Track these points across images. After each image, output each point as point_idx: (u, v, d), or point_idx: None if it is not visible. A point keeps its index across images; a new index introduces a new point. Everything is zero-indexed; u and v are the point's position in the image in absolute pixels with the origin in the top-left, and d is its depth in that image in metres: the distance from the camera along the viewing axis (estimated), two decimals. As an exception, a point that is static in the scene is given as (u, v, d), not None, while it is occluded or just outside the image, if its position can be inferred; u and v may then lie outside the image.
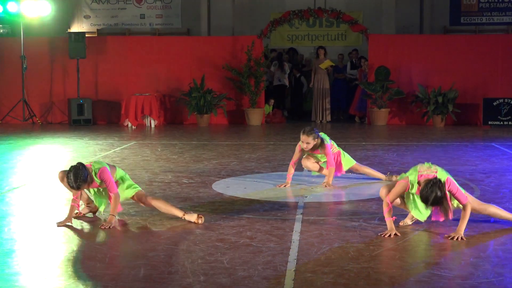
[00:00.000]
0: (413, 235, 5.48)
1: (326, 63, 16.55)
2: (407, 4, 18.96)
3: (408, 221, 5.80)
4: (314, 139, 7.45)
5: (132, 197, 6.07)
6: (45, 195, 7.29)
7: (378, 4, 19.13)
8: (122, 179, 6.12)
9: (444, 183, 5.39)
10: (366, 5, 19.18)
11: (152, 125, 15.68)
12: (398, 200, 5.72)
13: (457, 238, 5.30)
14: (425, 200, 5.35)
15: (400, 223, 5.74)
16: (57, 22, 18.94)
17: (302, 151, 7.64)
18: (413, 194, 5.59)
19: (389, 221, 5.51)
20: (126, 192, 6.05)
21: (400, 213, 5.90)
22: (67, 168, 5.86)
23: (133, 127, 15.44)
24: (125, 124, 15.67)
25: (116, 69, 16.39)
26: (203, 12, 19.58)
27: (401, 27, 18.69)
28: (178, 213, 5.99)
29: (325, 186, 7.51)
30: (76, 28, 19.97)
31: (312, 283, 4.25)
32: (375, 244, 5.17)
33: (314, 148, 7.53)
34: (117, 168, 6.16)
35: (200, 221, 5.89)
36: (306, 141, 7.46)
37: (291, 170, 7.70)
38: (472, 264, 4.70)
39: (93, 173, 5.81)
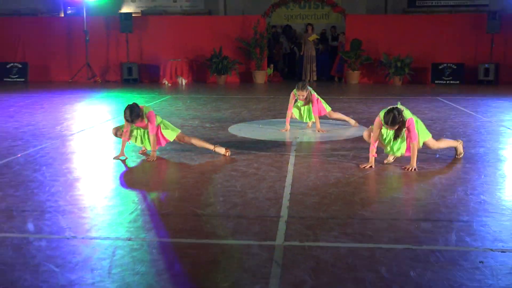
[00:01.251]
0: (378, 167, 5.40)
1: (313, 36, 16.19)
2: (375, -9, 18.39)
3: (390, 159, 5.58)
4: (306, 91, 7.35)
5: (174, 138, 5.99)
6: (104, 137, 7.22)
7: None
8: (164, 125, 6.02)
9: (407, 120, 5.19)
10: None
11: (183, 83, 15.46)
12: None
13: (411, 169, 5.23)
14: (385, 121, 5.08)
15: (384, 161, 5.56)
16: (111, 5, 18.54)
17: (296, 100, 7.52)
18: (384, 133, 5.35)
19: (371, 157, 5.34)
20: (171, 134, 5.91)
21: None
22: (117, 125, 5.81)
23: (169, 84, 15.24)
24: (163, 82, 15.45)
25: (156, 41, 16.07)
26: (220, -3, 19.07)
27: (370, 8, 18.20)
28: (210, 146, 5.92)
29: (317, 131, 7.44)
30: (125, 9, 19.51)
31: (303, 202, 4.22)
32: (350, 174, 5.11)
33: (306, 98, 7.43)
34: (158, 116, 6.06)
35: (227, 154, 5.82)
36: (301, 94, 7.34)
37: (289, 117, 7.59)
38: (422, 189, 4.65)
39: (143, 114, 5.72)
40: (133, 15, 16.79)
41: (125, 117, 5.61)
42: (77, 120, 8.54)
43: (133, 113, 5.55)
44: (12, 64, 15.83)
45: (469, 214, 3.95)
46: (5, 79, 15.69)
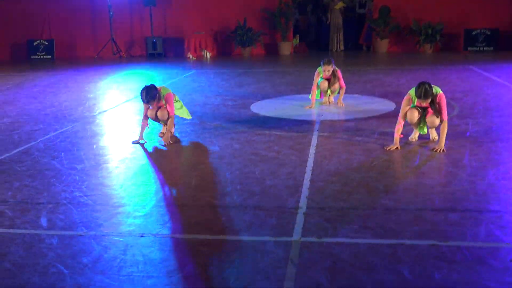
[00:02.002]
0: (404, 148, 5.15)
1: (339, 4, 15.65)
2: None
3: (415, 136, 5.38)
4: (331, 66, 7.19)
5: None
6: (125, 118, 7.13)
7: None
8: (181, 106, 5.93)
9: (437, 94, 5.01)
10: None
11: (208, 56, 15.24)
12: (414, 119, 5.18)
13: (439, 150, 4.97)
14: (418, 95, 4.94)
15: (409, 138, 5.37)
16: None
17: (319, 76, 7.30)
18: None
19: (396, 137, 5.12)
20: (186, 115, 5.96)
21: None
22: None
23: (193, 58, 15.05)
24: (188, 56, 15.26)
25: (180, 14, 15.82)
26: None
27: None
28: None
29: (338, 103, 7.23)
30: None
31: (323, 191, 4.02)
32: (374, 157, 4.88)
33: (332, 73, 7.24)
34: (177, 97, 5.92)
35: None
36: (326, 70, 7.21)
37: (314, 93, 7.35)
38: (450, 173, 4.38)
39: (161, 95, 5.60)
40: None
41: (141, 98, 5.50)
42: (100, 100, 8.47)
43: (149, 94, 5.44)
44: (38, 41, 15.88)
45: (500, 203, 3.70)
46: (32, 57, 15.78)
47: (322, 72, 7.27)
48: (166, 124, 5.73)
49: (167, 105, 5.60)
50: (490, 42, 14.33)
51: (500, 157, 4.73)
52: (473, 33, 14.42)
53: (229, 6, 15.61)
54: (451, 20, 14.69)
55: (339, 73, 7.33)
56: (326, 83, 7.41)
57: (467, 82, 9.09)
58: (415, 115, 5.19)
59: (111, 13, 15.51)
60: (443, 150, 4.95)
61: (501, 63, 11.51)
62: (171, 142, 5.54)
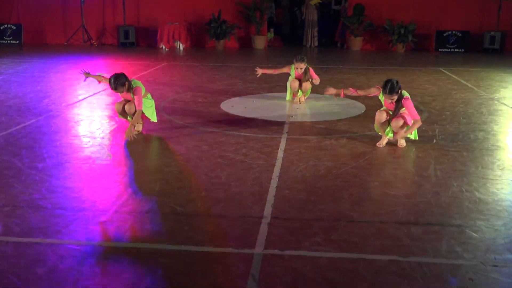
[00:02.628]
0: (371, 154, 5.17)
1: (315, 0, 15.64)
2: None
3: (383, 142, 5.43)
4: (304, 64, 7.31)
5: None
6: (90, 113, 6.96)
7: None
8: (152, 105, 5.83)
9: (404, 96, 5.23)
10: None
11: (181, 48, 15.05)
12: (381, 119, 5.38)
13: (398, 138, 5.28)
14: (383, 90, 5.20)
15: (377, 144, 5.41)
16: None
17: (289, 71, 7.48)
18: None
19: (339, 91, 5.64)
20: (152, 117, 5.81)
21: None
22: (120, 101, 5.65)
23: (166, 49, 14.84)
24: (160, 46, 15.04)
25: (153, 3, 15.53)
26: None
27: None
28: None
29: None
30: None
31: (289, 200, 3.99)
32: (341, 163, 4.87)
33: (304, 72, 7.35)
34: (150, 95, 5.81)
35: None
36: (299, 67, 7.30)
37: (271, 71, 7.75)
38: (415, 183, 4.40)
39: (131, 85, 5.51)
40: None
41: (109, 84, 5.48)
42: (66, 92, 8.25)
43: (117, 81, 5.42)
44: (6, 25, 15.40)
45: (462, 216, 3.73)
46: (-1, 41, 15.31)
47: (294, 69, 7.31)
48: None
49: (135, 98, 5.48)
50: (461, 44, 14.53)
51: (465, 168, 4.78)
52: (445, 34, 14.60)
53: (204, -2, 15.43)
54: (424, 21, 14.86)
55: (311, 71, 7.42)
56: (296, 83, 7.41)
57: (437, 85, 9.19)
58: (383, 116, 5.33)
59: (82, 0, 15.15)
60: (401, 144, 5.13)
61: (471, 66, 11.68)
62: (134, 137, 5.42)
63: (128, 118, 5.76)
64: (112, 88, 5.49)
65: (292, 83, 7.47)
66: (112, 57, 12.71)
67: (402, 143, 5.39)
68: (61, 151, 5.14)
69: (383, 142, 5.43)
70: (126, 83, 5.47)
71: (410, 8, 14.82)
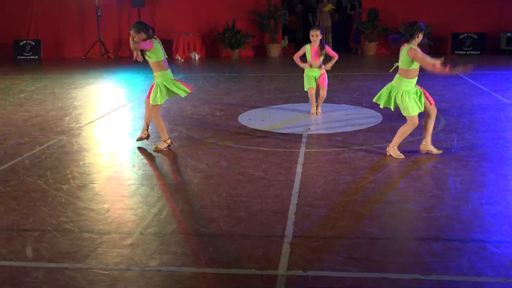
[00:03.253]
0: (389, 167, 5.20)
1: (329, 7, 15.70)
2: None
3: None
4: (321, 32, 7.35)
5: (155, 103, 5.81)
6: (112, 130, 7.09)
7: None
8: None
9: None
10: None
11: (196, 58, 15.21)
12: None
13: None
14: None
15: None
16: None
17: (306, 49, 7.40)
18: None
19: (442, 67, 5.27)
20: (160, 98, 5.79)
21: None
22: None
23: (182, 60, 15.02)
24: (176, 57, 15.22)
25: (168, 15, 15.75)
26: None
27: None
28: (163, 137, 5.86)
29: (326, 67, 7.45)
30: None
31: (310, 217, 4.05)
32: (360, 176, 4.91)
33: (321, 46, 7.32)
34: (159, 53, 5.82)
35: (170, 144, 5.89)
36: (315, 34, 7.27)
37: (298, 61, 7.50)
38: (435, 196, 4.42)
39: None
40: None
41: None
42: (86, 109, 8.42)
43: (136, 24, 5.65)
44: (25, 41, 15.73)
45: (484, 230, 3.75)
46: (19, 57, 15.63)
47: (310, 37, 7.32)
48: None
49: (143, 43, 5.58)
50: (477, 46, 14.45)
51: (485, 179, 4.79)
52: (460, 37, 14.54)
53: (218, 8, 15.59)
54: (439, 23, 14.79)
55: (327, 48, 7.42)
56: (313, 90, 7.45)
57: (454, 90, 9.17)
58: None
59: (98, 14, 15.42)
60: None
61: (487, 70, 11.62)
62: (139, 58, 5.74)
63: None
64: (130, 29, 5.67)
65: (309, 90, 7.48)
66: (128, 70, 12.88)
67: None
68: (85, 171, 5.26)
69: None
70: (143, 33, 5.56)
71: (425, 11, 14.78)
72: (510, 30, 14.39)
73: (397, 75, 5.37)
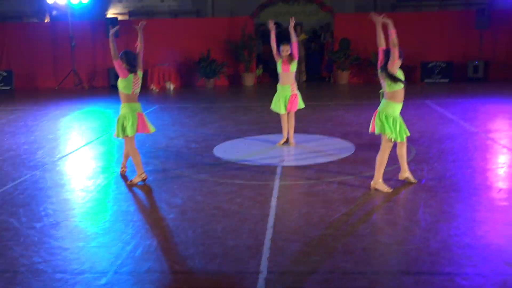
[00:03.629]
0: (362, 199, 5.30)
1: (302, 36, 16.00)
2: (364, -13, 18.12)
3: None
4: (290, 47, 7.51)
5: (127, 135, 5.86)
6: (85, 164, 7.07)
7: (341, -13, 18.33)
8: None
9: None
10: (333, -12, 18.31)
11: (171, 88, 15.28)
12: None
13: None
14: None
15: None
16: (98, 7, 18.27)
17: (278, 63, 7.58)
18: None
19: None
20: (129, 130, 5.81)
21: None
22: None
23: (156, 90, 15.07)
24: (151, 87, 15.27)
25: (143, 45, 15.84)
26: (208, -4, 18.82)
27: (359, 5, 17.95)
28: (138, 171, 5.92)
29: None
30: (112, 10, 19.23)
31: (284, 251, 4.11)
32: (333, 209, 5.00)
33: (290, 55, 7.49)
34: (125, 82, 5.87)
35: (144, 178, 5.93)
36: (285, 49, 7.47)
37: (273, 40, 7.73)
38: (406, 228, 4.53)
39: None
40: (120, 16, 16.57)
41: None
42: (60, 142, 8.39)
43: (124, 52, 5.84)
44: (-3, 72, 15.59)
45: (452, 263, 3.86)
46: (-10, 88, 15.48)
47: (281, 52, 7.51)
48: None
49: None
50: (446, 74, 14.90)
51: (453, 210, 4.92)
52: (429, 65, 14.98)
53: (193, 37, 15.77)
54: (409, 52, 15.09)
55: (294, 49, 7.52)
56: (284, 117, 7.59)
57: (423, 120, 9.41)
58: None
59: (72, 44, 15.42)
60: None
61: (456, 98, 11.97)
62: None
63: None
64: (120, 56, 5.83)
65: (282, 121, 7.64)
66: (103, 101, 12.87)
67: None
68: (58, 208, 5.23)
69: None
70: (123, 59, 5.76)
71: (395, 41, 15.17)
72: (476, 58, 14.89)
73: (383, 100, 5.48)
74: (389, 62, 5.28)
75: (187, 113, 10.94)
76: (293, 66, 7.54)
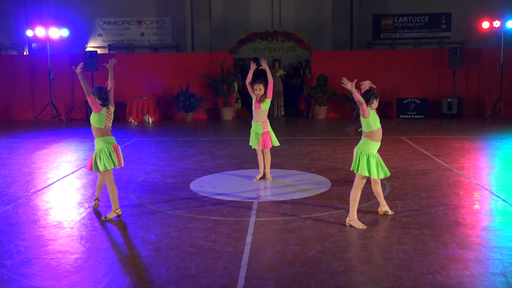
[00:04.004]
0: (336, 236, 5.33)
1: (280, 72, 16.31)
2: (341, 24, 18.52)
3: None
4: (264, 86, 7.60)
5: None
6: (60, 200, 6.99)
7: (319, 25, 18.72)
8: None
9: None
10: (310, 26, 18.55)
11: (150, 121, 15.29)
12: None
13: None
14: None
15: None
16: (78, 39, 18.40)
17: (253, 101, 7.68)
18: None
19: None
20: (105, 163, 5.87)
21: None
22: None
23: (135, 122, 15.07)
24: (130, 120, 15.26)
25: (122, 78, 15.85)
26: (187, 31, 19.08)
27: (336, 42, 18.39)
28: (113, 207, 5.95)
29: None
30: (92, 43, 19.35)
31: (257, 291, 4.09)
32: (308, 247, 5.01)
33: (262, 96, 7.59)
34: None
35: (119, 213, 5.97)
36: (259, 88, 7.56)
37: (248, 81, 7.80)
38: (379, 266, 4.56)
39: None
40: (99, 50, 16.67)
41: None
42: (35, 176, 8.27)
43: (96, 88, 5.90)
44: (-27, 103, 15.44)
45: (424, 302, 3.89)
46: (-34, 120, 15.29)
47: (255, 91, 7.59)
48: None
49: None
50: (420, 111, 15.22)
51: (426, 247, 4.98)
52: (405, 101, 15.30)
53: (172, 71, 15.92)
54: (385, 89, 15.52)
55: (269, 89, 7.62)
56: (260, 152, 7.70)
57: (398, 155, 9.56)
58: None
59: (51, 77, 15.41)
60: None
61: (431, 133, 12.21)
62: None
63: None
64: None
65: (258, 157, 7.74)
66: (80, 133, 12.80)
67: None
68: (30, 245, 5.14)
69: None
70: (96, 94, 5.83)
71: (371, 77, 15.41)
72: (449, 95, 15.28)
73: (362, 138, 5.65)
74: (361, 113, 5.47)
75: (165, 147, 10.93)
76: (265, 105, 7.62)
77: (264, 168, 7.76)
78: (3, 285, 4.21)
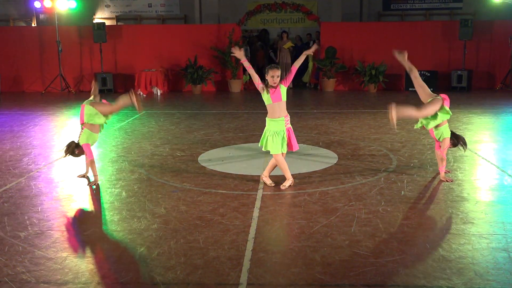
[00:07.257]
0: (342, 210, 5.41)
1: (288, 44, 16.22)
2: (351, -5, 18.36)
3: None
4: (280, 72, 6.12)
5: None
6: (72, 171, 7.12)
7: (328, -4, 18.55)
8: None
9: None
10: (320, -3, 18.53)
11: (158, 93, 15.34)
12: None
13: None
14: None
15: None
16: (86, 11, 18.31)
17: (265, 97, 6.14)
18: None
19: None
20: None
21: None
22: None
23: (144, 95, 15.12)
24: (138, 93, 15.31)
25: (130, 50, 15.91)
26: (195, 2, 18.91)
27: (346, 13, 18.20)
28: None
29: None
30: (99, 15, 19.27)
31: (264, 264, 4.19)
32: (313, 221, 5.11)
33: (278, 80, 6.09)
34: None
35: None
36: (276, 75, 6.02)
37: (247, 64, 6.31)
38: (384, 241, 4.64)
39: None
40: (107, 21, 16.63)
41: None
42: (46, 149, 8.40)
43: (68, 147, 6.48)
44: (-17, 75, 15.54)
45: (426, 276, 3.98)
46: (-24, 92, 15.42)
47: (270, 78, 6.04)
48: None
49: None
50: (430, 83, 15.07)
51: (430, 222, 5.06)
52: (414, 74, 15.18)
53: (180, 43, 15.87)
54: (394, 62, 15.32)
55: (288, 81, 6.22)
56: (283, 155, 6.31)
57: (406, 129, 9.57)
58: None
59: (59, 49, 15.42)
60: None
61: (439, 107, 12.15)
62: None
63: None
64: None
65: (279, 157, 6.24)
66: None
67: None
68: (43, 217, 5.28)
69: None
70: (68, 151, 6.46)
71: (380, 50, 15.41)
72: (459, 68, 15.15)
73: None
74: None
75: (173, 119, 11.01)
76: (284, 95, 6.15)
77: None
78: (17, 256, 4.35)
